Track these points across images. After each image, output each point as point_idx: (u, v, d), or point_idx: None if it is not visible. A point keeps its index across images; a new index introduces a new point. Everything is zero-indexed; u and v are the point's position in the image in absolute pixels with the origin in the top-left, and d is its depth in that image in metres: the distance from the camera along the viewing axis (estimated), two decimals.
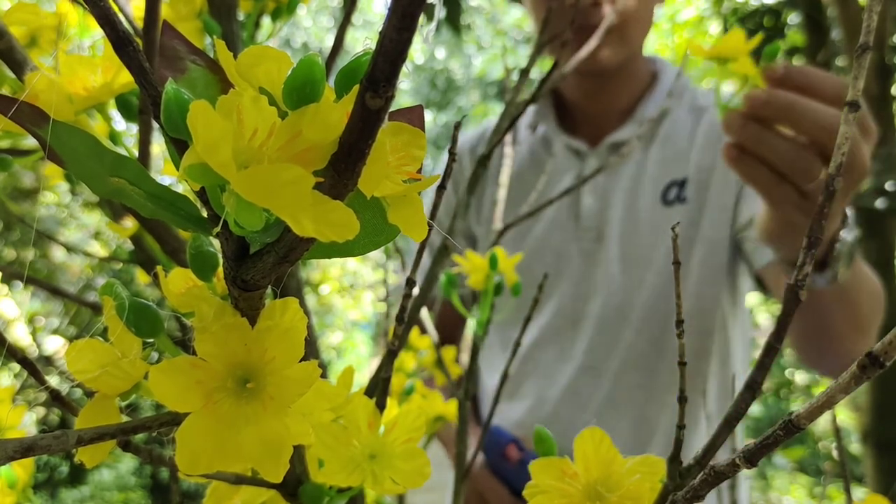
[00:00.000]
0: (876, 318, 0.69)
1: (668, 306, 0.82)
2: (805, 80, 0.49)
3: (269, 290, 0.19)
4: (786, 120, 0.48)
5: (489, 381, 0.94)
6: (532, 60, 0.48)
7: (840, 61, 3.08)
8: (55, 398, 0.22)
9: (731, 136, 0.51)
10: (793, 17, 3.41)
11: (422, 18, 0.14)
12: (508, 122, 0.46)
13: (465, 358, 0.83)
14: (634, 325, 0.84)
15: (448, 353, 0.74)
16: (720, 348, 0.84)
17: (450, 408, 0.65)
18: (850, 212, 0.58)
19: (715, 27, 4.37)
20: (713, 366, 0.83)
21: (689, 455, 0.26)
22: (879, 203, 2.48)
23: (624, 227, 0.85)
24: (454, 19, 2.40)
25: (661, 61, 0.93)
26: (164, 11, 0.35)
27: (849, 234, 0.57)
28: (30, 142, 0.36)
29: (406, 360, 0.73)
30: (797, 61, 3.50)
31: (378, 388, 0.30)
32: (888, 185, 2.47)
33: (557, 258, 0.88)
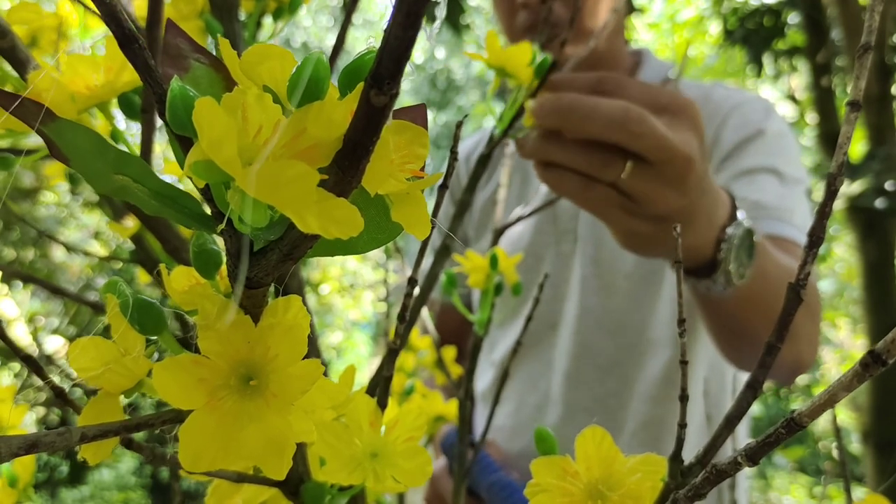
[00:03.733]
0: (807, 325, 0.65)
1: (642, 313, 0.81)
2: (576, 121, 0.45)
3: (271, 289, 0.19)
4: (569, 124, 0.45)
5: (477, 383, 0.93)
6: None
7: (840, 61, 3.09)
8: (58, 395, 0.22)
9: (524, 156, 0.49)
10: (793, 17, 3.41)
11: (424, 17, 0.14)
12: (508, 123, 0.46)
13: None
14: (609, 330, 0.82)
15: (448, 352, 0.74)
16: (703, 355, 0.82)
17: (450, 408, 0.65)
18: (740, 214, 0.54)
19: (715, 27, 4.38)
20: (701, 368, 0.82)
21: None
22: (879, 203, 2.48)
23: (594, 227, 0.84)
24: (454, 19, 2.41)
25: (646, 53, 0.90)
26: (166, 11, 0.35)
27: (737, 230, 0.53)
28: (30, 141, 0.36)
29: (406, 360, 0.73)
30: (797, 61, 3.50)
31: (379, 387, 0.30)
32: (888, 185, 2.47)
33: (536, 260, 0.87)
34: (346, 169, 0.15)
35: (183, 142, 0.16)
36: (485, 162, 0.45)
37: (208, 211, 0.18)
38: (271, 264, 0.17)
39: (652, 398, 0.81)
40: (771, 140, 0.78)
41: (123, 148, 0.30)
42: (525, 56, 0.45)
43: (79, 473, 2.91)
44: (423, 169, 0.19)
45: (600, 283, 0.83)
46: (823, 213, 0.23)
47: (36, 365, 0.22)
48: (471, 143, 1.00)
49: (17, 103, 0.16)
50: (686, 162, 0.46)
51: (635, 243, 0.53)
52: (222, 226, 0.16)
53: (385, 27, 0.13)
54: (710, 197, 0.50)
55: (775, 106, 0.84)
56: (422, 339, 0.75)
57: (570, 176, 0.48)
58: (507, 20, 0.80)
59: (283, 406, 0.18)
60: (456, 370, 0.71)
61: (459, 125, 0.27)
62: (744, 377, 0.89)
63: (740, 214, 0.53)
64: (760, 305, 0.57)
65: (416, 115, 0.19)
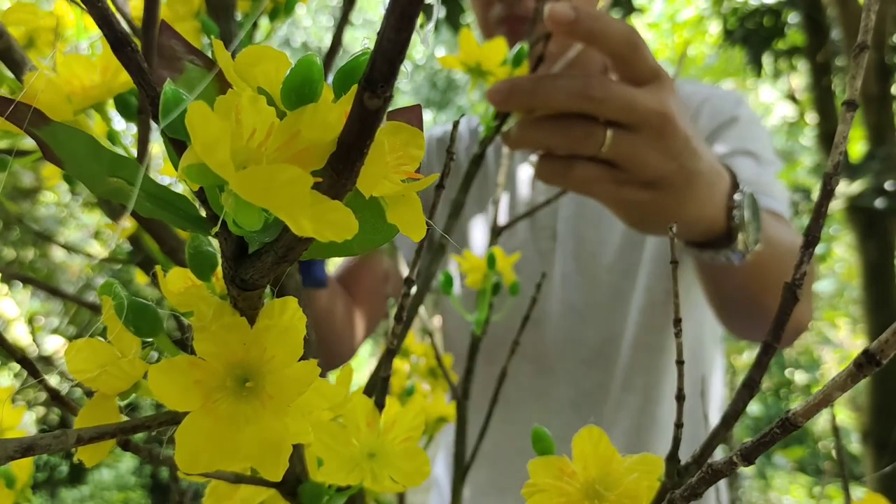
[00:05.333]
0: (805, 288, 0.66)
1: (624, 305, 0.82)
2: (595, 28, 0.44)
3: (267, 290, 0.19)
4: (532, 101, 0.44)
5: None
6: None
7: (840, 61, 3.09)
8: (54, 397, 0.22)
9: (510, 147, 0.48)
10: (793, 17, 3.41)
11: (421, 18, 0.14)
12: (500, 121, 0.46)
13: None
14: (591, 324, 0.83)
15: (447, 359, 0.73)
16: (685, 342, 0.82)
17: (452, 409, 0.65)
18: (741, 183, 0.53)
19: (715, 27, 4.38)
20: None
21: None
22: (879, 203, 2.48)
23: (574, 223, 0.84)
24: (454, 19, 2.40)
25: None
26: (162, 12, 0.35)
27: (743, 197, 0.52)
28: (29, 142, 0.36)
29: (398, 365, 0.73)
30: (797, 61, 3.50)
31: (377, 388, 0.30)
32: (888, 185, 2.47)
33: (519, 259, 0.87)
34: (340, 172, 0.15)
35: (177, 145, 0.16)
36: (478, 162, 0.45)
37: (203, 213, 0.18)
38: (266, 266, 0.17)
39: (635, 387, 0.81)
40: (744, 126, 0.79)
41: (118, 150, 0.30)
42: (499, 53, 0.45)
43: (79, 473, 2.91)
44: (418, 170, 0.19)
45: (582, 278, 0.83)
46: (819, 212, 0.23)
47: (31, 367, 0.23)
48: (439, 131, 0.98)
49: (11, 108, 0.16)
50: (662, 119, 0.45)
51: (636, 217, 0.52)
52: (216, 228, 0.16)
53: (379, 29, 0.14)
54: (706, 163, 0.49)
55: (743, 97, 0.86)
56: (418, 344, 0.75)
57: (550, 161, 0.47)
58: (482, 13, 0.80)
59: (279, 408, 0.18)
60: (451, 377, 0.71)
61: (456, 125, 0.27)
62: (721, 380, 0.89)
63: (741, 183, 0.53)
64: (771, 273, 0.57)
65: (411, 116, 0.19)
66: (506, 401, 0.87)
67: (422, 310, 0.52)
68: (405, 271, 0.77)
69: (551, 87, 0.44)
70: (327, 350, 0.78)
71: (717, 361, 0.89)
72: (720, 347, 0.91)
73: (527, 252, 0.87)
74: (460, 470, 0.52)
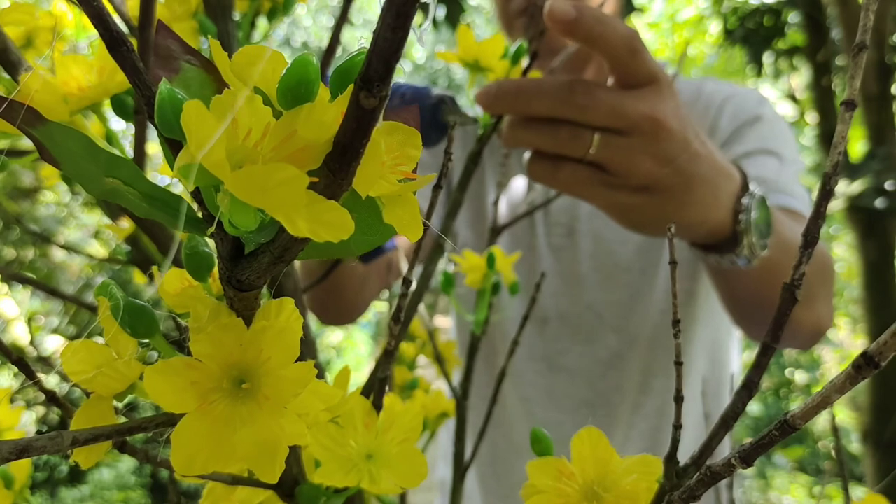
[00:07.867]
0: (823, 288, 0.65)
1: (643, 305, 0.82)
2: (595, 31, 0.43)
3: (264, 291, 0.19)
4: (517, 106, 0.44)
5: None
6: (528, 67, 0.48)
7: (840, 61, 3.08)
8: (50, 398, 0.22)
9: (504, 145, 0.48)
10: (793, 17, 3.41)
11: (419, 17, 0.14)
12: (497, 118, 0.46)
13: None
14: (609, 324, 0.83)
15: (447, 346, 0.73)
16: (701, 345, 0.82)
17: (453, 405, 0.65)
18: (751, 184, 0.52)
19: (715, 27, 4.38)
20: (697, 363, 0.82)
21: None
22: (879, 203, 2.48)
23: (594, 222, 0.84)
24: (454, 19, 2.40)
25: None
26: (160, 11, 0.35)
27: (751, 200, 0.51)
28: (28, 142, 0.36)
29: (407, 351, 0.73)
30: (797, 61, 3.50)
31: (375, 389, 0.30)
32: (888, 185, 2.47)
33: (529, 253, 0.86)
34: (336, 171, 0.15)
35: (172, 145, 0.16)
36: (475, 159, 0.45)
37: (200, 214, 0.17)
38: (262, 267, 0.17)
39: (653, 390, 0.81)
40: (768, 125, 0.79)
41: (115, 150, 0.30)
42: (498, 48, 0.45)
43: (78, 473, 2.91)
44: (415, 170, 0.19)
45: (600, 278, 0.83)
46: (818, 212, 0.23)
47: (27, 368, 0.22)
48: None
49: (5, 106, 0.16)
50: (653, 123, 0.44)
51: (633, 220, 0.51)
52: (212, 229, 0.16)
53: (375, 28, 0.13)
54: (709, 165, 0.49)
55: (767, 97, 0.85)
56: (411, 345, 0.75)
57: (539, 160, 0.47)
58: (501, 4, 0.80)
59: (275, 409, 0.18)
60: (454, 361, 0.71)
61: (453, 126, 0.27)
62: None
63: (752, 185, 0.52)
64: (784, 275, 0.56)
65: (408, 116, 0.19)
66: (520, 399, 0.86)
67: (422, 309, 0.52)
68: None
69: (535, 92, 0.44)
70: (347, 300, 0.78)
71: (734, 364, 0.89)
72: (738, 350, 0.91)
73: (539, 246, 0.86)
74: (460, 470, 0.52)
